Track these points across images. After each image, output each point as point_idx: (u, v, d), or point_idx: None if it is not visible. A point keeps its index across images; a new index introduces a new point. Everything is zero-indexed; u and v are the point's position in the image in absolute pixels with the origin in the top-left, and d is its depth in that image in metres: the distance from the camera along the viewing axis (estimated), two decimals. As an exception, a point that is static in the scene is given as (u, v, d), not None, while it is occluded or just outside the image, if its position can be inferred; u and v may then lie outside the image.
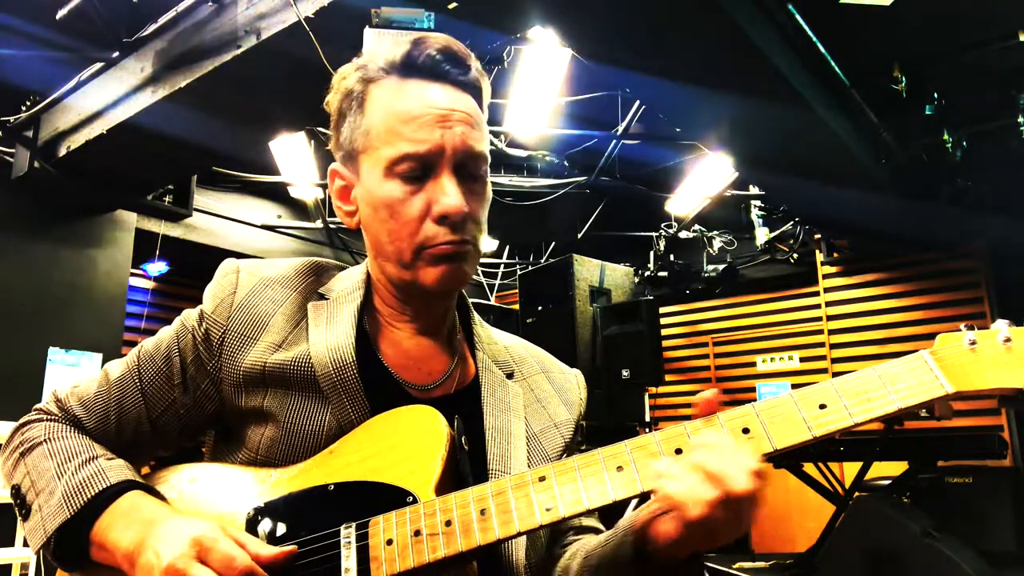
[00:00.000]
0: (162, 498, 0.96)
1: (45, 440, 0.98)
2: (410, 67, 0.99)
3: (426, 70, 0.98)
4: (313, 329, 1.01)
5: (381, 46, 1.01)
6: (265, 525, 0.90)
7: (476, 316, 1.15)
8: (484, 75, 1.05)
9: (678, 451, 0.83)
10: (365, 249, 1.06)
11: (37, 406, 1.06)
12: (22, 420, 1.04)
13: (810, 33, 3.97)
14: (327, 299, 1.05)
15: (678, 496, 0.77)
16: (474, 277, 8.27)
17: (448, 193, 0.95)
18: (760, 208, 6.58)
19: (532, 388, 1.12)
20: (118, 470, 0.96)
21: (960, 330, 0.82)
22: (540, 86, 4.67)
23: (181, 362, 1.03)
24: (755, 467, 0.76)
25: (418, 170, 0.96)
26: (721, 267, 7.07)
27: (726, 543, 0.81)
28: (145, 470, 1.04)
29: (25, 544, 4.06)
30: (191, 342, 1.02)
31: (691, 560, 0.85)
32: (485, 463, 0.99)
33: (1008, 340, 0.80)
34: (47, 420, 1.02)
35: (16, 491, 0.98)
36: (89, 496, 0.91)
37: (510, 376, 1.11)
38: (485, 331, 1.15)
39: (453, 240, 0.96)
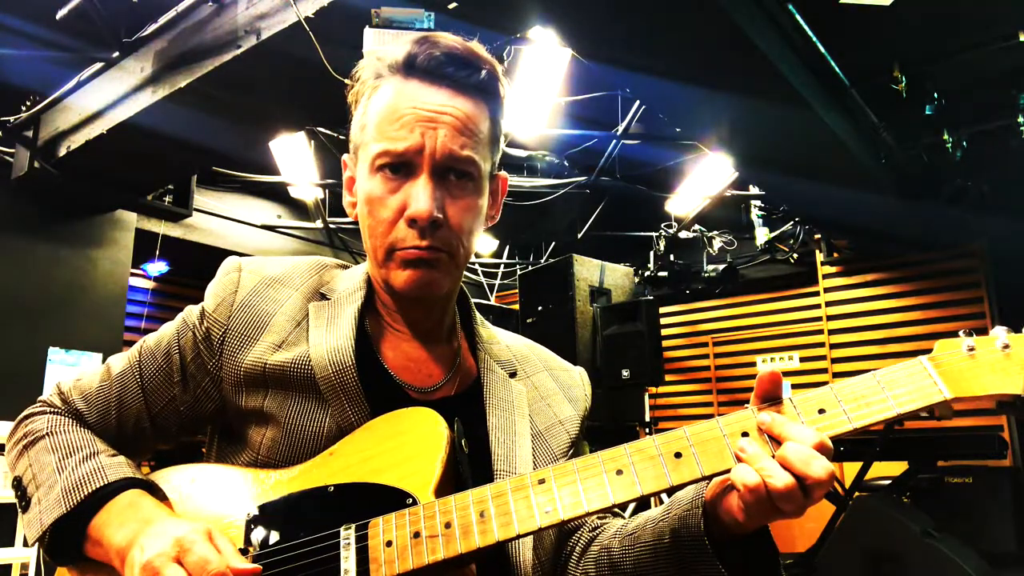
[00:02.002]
0: (163, 496, 0.97)
1: (48, 433, 0.99)
2: (411, 67, 0.98)
3: (426, 71, 0.97)
4: (314, 330, 1.01)
5: (397, 43, 1.00)
6: (265, 526, 0.90)
7: (478, 316, 1.15)
8: (500, 79, 1.02)
9: (678, 455, 0.83)
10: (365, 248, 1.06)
11: (41, 398, 1.06)
12: (26, 412, 1.05)
13: (810, 33, 3.97)
14: (329, 299, 1.05)
15: (752, 482, 0.77)
16: (474, 277, 8.31)
17: (419, 197, 0.94)
18: (760, 208, 6.58)
19: (536, 386, 1.12)
20: (117, 468, 0.96)
21: (959, 336, 0.82)
22: (540, 86, 4.67)
23: (181, 359, 1.03)
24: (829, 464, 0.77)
25: (396, 169, 0.96)
26: (721, 267, 7.08)
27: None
28: (145, 469, 1.04)
29: (25, 544, 4.07)
30: (192, 340, 1.03)
31: (761, 533, 0.85)
32: (490, 463, 0.99)
33: (1007, 347, 0.80)
34: (50, 413, 1.03)
35: (18, 483, 0.98)
36: (87, 492, 0.92)
37: (513, 375, 1.10)
38: (487, 331, 1.15)
39: (420, 245, 0.96)
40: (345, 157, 1.08)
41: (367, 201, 0.99)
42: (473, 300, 1.17)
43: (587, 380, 1.20)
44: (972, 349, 0.81)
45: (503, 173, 1.10)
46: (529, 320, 5.32)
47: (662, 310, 6.34)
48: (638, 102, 5.39)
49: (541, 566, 0.99)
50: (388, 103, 0.98)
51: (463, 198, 0.99)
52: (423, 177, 0.95)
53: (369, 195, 0.98)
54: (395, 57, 0.99)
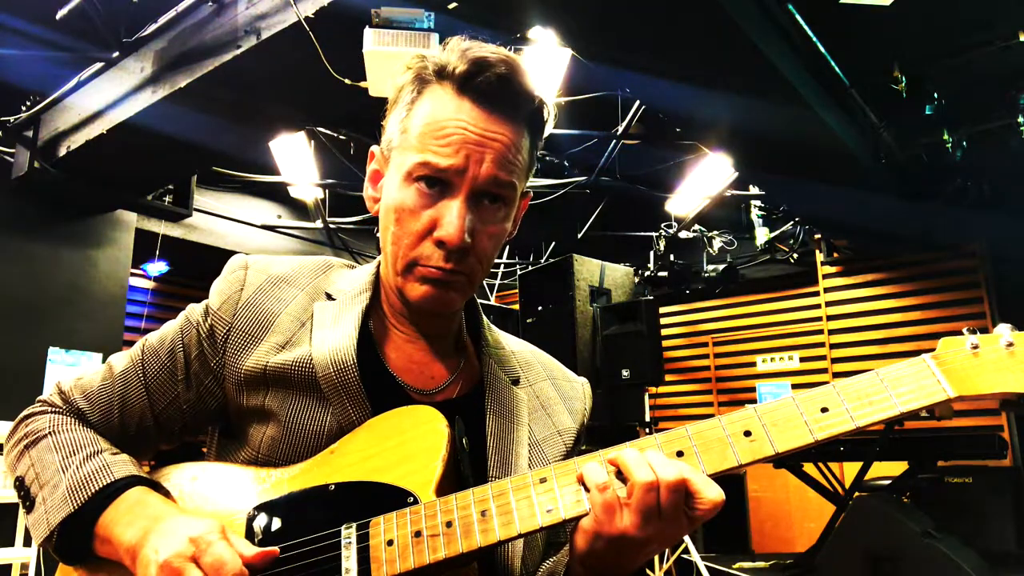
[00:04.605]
0: (167, 493, 0.96)
1: (50, 432, 0.98)
2: (467, 85, 0.95)
3: (481, 92, 0.95)
4: (317, 330, 1.00)
5: (452, 49, 0.97)
6: (265, 525, 0.90)
7: (485, 321, 1.14)
8: (545, 107, 1.01)
9: (679, 453, 0.83)
10: (365, 249, 1.06)
11: (40, 398, 1.05)
12: (26, 412, 1.04)
13: (810, 33, 3.97)
14: (334, 299, 1.04)
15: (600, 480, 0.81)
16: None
17: (453, 221, 0.93)
18: (760, 208, 6.58)
19: (537, 395, 1.11)
20: (123, 465, 0.96)
21: (962, 334, 0.82)
22: (540, 86, 4.66)
23: (185, 357, 1.02)
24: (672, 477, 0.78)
25: (433, 183, 0.95)
26: (721, 267, 7.07)
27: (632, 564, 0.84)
28: (145, 468, 1.04)
29: (25, 544, 4.07)
30: (195, 337, 1.02)
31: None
32: (486, 469, 0.99)
33: (1010, 344, 0.80)
34: (51, 412, 1.02)
35: (20, 483, 0.97)
36: (93, 491, 0.91)
37: (516, 382, 1.10)
38: (493, 335, 1.14)
39: (444, 268, 0.95)
40: (375, 148, 1.05)
41: (396, 209, 0.97)
42: (473, 301, 1.17)
43: (589, 393, 1.19)
44: (976, 347, 0.80)
45: (529, 192, 1.09)
46: (529, 320, 5.32)
47: (662, 310, 6.34)
48: (638, 102, 5.39)
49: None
50: (436, 115, 0.95)
51: (493, 224, 0.98)
52: (459, 200, 0.94)
53: (400, 204, 0.96)
54: (449, 66, 0.96)
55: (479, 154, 0.94)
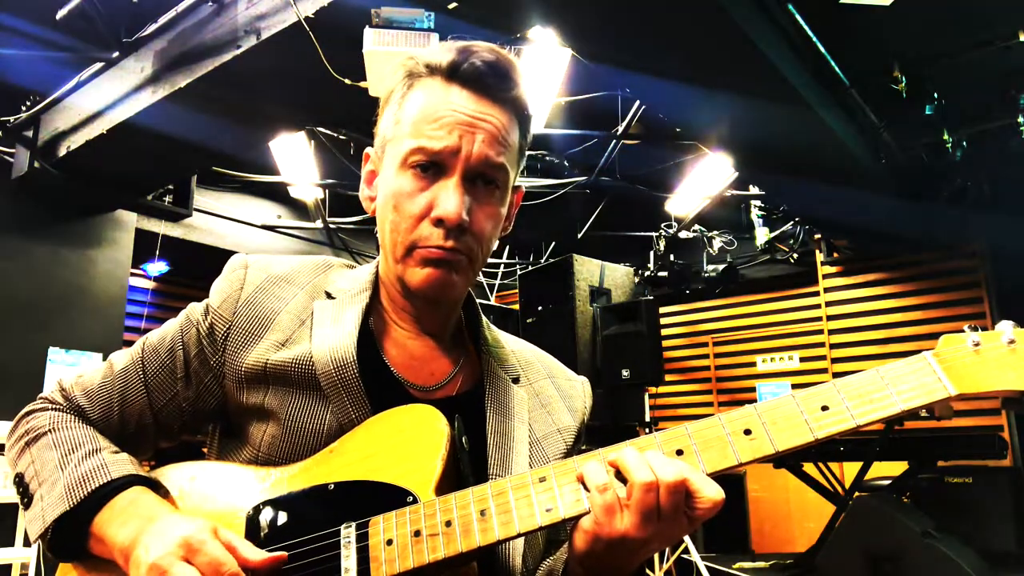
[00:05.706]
0: (166, 493, 0.96)
1: (50, 430, 0.99)
2: (454, 73, 0.99)
3: (468, 78, 0.98)
4: (317, 328, 1.01)
5: (435, 46, 1.02)
6: (265, 524, 0.90)
7: (484, 320, 1.15)
8: (530, 101, 1.04)
9: (679, 452, 0.83)
10: (365, 249, 1.06)
11: (42, 395, 1.06)
12: (27, 409, 1.04)
13: (810, 33, 3.97)
14: (334, 298, 1.05)
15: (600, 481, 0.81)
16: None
17: (450, 198, 0.95)
18: (760, 208, 6.58)
19: (537, 393, 1.12)
20: (121, 464, 0.96)
21: (964, 331, 0.81)
22: (540, 86, 4.66)
23: (185, 355, 1.03)
24: (671, 477, 0.78)
25: (429, 167, 0.97)
26: (721, 267, 7.07)
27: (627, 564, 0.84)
28: (145, 467, 1.04)
29: (25, 544, 4.07)
30: (195, 336, 1.02)
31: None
32: (486, 467, 0.99)
33: (1012, 342, 0.79)
34: (52, 410, 1.02)
35: (19, 480, 0.98)
36: (90, 489, 0.91)
37: (516, 380, 1.10)
38: (492, 334, 1.15)
39: (444, 246, 0.96)
40: (368, 150, 1.08)
41: (393, 196, 0.99)
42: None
43: (588, 392, 1.20)
44: (977, 344, 0.80)
45: (521, 187, 1.11)
46: (529, 320, 5.31)
47: (662, 310, 6.34)
48: (638, 102, 5.39)
49: (528, 574, 0.99)
50: (427, 103, 0.98)
51: (488, 205, 1.00)
52: (454, 180, 0.96)
53: (397, 190, 0.98)
54: (436, 60, 1.00)
55: (471, 134, 0.96)
